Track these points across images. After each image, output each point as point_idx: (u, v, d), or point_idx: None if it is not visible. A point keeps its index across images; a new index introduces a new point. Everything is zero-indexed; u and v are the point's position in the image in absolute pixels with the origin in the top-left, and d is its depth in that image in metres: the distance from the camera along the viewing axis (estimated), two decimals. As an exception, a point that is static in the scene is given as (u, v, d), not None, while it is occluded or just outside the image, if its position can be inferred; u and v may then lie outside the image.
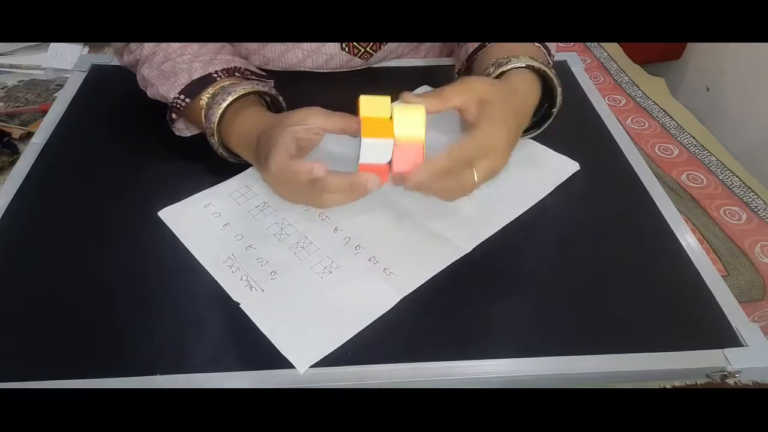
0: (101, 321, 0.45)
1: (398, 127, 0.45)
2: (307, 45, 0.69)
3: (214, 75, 0.57)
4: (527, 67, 0.55)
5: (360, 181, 0.46)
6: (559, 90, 0.57)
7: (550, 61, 0.62)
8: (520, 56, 0.55)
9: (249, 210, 0.53)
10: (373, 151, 0.45)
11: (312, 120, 0.49)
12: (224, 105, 0.54)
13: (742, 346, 0.45)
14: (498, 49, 0.59)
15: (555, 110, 0.58)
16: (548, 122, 0.60)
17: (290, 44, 0.68)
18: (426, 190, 0.47)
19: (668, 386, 0.45)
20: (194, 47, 0.59)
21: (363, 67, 0.73)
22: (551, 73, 0.56)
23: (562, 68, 0.77)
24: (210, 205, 0.54)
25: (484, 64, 0.58)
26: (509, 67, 0.55)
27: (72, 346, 0.43)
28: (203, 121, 0.55)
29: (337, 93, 0.70)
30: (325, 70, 0.72)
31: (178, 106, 0.57)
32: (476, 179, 0.47)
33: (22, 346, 0.43)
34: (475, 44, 0.63)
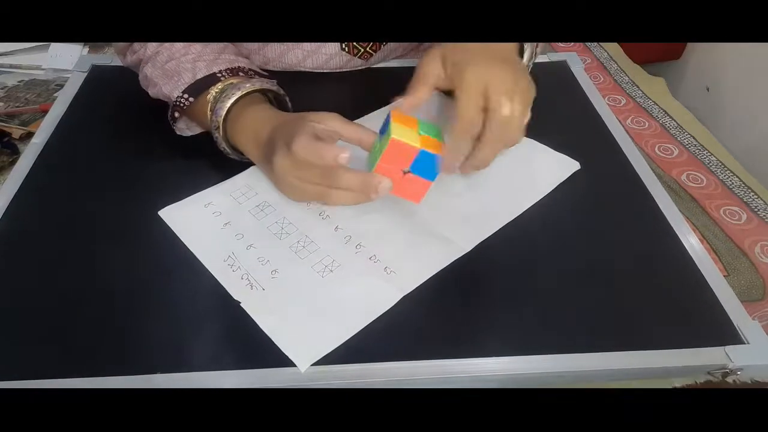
0: (101, 320, 0.44)
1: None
2: (307, 45, 0.69)
3: (218, 74, 0.57)
4: None
5: (373, 181, 0.47)
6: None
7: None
8: None
9: (249, 209, 0.53)
10: (397, 153, 0.46)
11: (330, 122, 0.50)
12: (233, 99, 0.54)
13: (744, 343, 0.45)
14: None
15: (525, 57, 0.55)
16: (534, 58, 0.57)
17: (290, 44, 0.69)
18: (485, 159, 0.47)
19: (668, 387, 0.45)
20: (198, 47, 0.60)
21: (363, 67, 0.73)
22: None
23: (562, 68, 0.77)
24: (210, 204, 0.54)
25: None
26: None
27: (72, 346, 0.43)
28: (208, 116, 0.56)
29: (337, 93, 0.71)
30: (324, 70, 0.72)
31: (182, 105, 0.57)
32: (510, 109, 0.45)
33: (22, 346, 0.43)
34: None
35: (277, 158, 0.50)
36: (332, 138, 0.50)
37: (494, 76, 0.45)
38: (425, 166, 0.48)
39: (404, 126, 0.47)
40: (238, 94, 0.55)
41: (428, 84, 0.49)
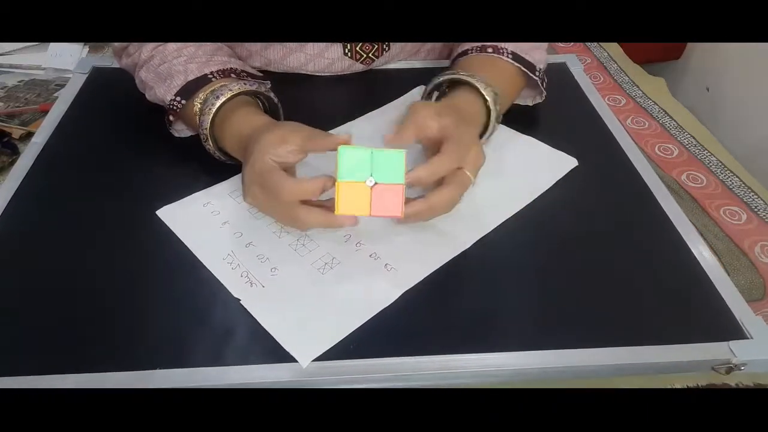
0: (102, 319, 0.44)
1: (378, 172, 0.44)
2: (309, 49, 0.69)
3: (210, 76, 0.57)
4: (469, 84, 0.56)
5: (335, 222, 0.47)
6: (493, 117, 0.57)
7: (534, 77, 0.63)
8: (474, 74, 0.56)
9: (248, 208, 0.53)
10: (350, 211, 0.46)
11: (292, 140, 0.47)
12: (214, 109, 0.54)
13: (747, 338, 0.45)
14: (468, 63, 0.62)
15: (488, 131, 0.58)
16: (483, 139, 0.58)
17: (293, 48, 0.69)
18: (428, 213, 0.48)
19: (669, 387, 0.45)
20: (191, 49, 0.59)
21: (364, 70, 0.73)
22: (484, 93, 0.56)
23: (562, 69, 0.77)
24: (209, 203, 0.54)
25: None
26: (454, 76, 0.57)
27: (73, 345, 0.43)
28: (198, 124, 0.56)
29: (337, 94, 0.71)
30: (326, 74, 0.72)
31: (175, 108, 0.57)
32: (470, 175, 0.49)
33: (23, 345, 0.43)
34: (460, 50, 0.65)
35: (245, 197, 0.51)
36: (300, 155, 0.48)
37: (475, 149, 0.50)
38: (386, 203, 0.45)
39: (354, 183, 0.44)
40: (218, 103, 0.53)
41: (417, 132, 0.49)
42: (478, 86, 0.56)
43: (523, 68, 0.62)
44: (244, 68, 0.62)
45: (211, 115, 0.53)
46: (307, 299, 0.46)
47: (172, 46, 0.59)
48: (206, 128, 0.54)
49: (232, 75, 0.59)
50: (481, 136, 0.58)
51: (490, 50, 0.62)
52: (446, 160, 0.47)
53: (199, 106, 0.55)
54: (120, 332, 0.44)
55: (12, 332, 0.44)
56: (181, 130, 0.62)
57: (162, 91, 0.58)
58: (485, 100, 0.56)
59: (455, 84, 0.59)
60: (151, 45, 0.60)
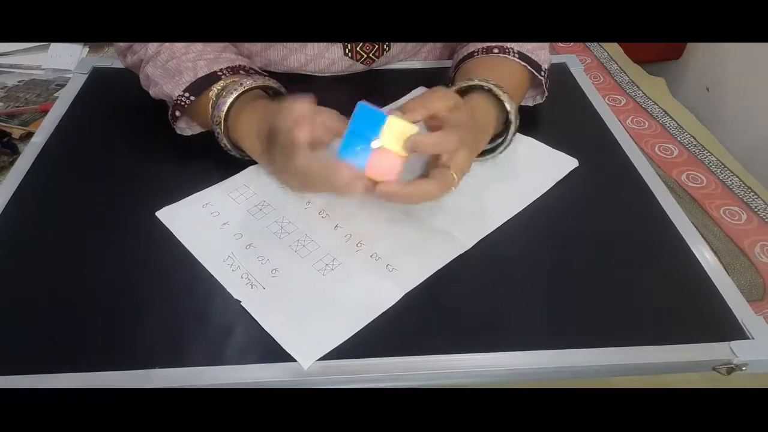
0: (102, 320, 0.44)
1: (385, 136, 0.46)
2: (310, 50, 0.69)
3: (219, 73, 0.57)
4: (488, 91, 0.55)
5: (339, 170, 0.46)
6: (513, 122, 0.56)
7: (540, 77, 0.63)
8: (489, 78, 0.55)
9: (248, 209, 0.53)
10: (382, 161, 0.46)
11: (327, 116, 0.50)
12: (235, 95, 0.54)
13: (748, 338, 0.45)
14: (475, 65, 0.61)
15: (506, 142, 0.57)
16: (500, 151, 0.58)
17: (293, 48, 0.69)
18: (402, 197, 0.47)
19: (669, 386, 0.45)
20: (198, 46, 0.60)
21: (364, 70, 0.73)
22: (507, 105, 0.55)
23: (562, 70, 0.77)
24: (208, 204, 0.54)
25: (461, 76, 0.60)
26: (472, 83, 0.56)
27: (72, 344, 0.43)
28: (209, 113, 0.56)
29: (338, 95, 0.70)
30: (326, 74, 0.72)
31: (183, 103, 0.57)
32: (455, 177, 0.48)
33: (22, 345, 0.43)
34: (465, 53, 0.64)
35: (273, 151, 0.50)
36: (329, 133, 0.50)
37: (469, 155, 0.49)
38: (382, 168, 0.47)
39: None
40: (240, 89, 0.55)
41: (427, 113, 0.48)
42: (503, 99, 0.55)
43: (530, 68, 0.62)
44: (252, 66, 0.62)
45: (232, 98, 0.54)
46: (309, 301, 0.46)
47: (179, 43, 0.60)
48: (222, 111, 0.54)
49: (241, 72, 0.59)
50: (496, 149, 0.58)
51: (496, 51, 0.61)
52: (444, 138, 0.47)
53: (216, 91, 0.56)
54: (119, 334, 0.44)
55: (11, 331, 0.44)
56: (183, 128, 0.62)
57: (170, 87, 0.58)
58: (500, 112, 0.56)
59: (470, 89, 0.57)
60: (157, 42, 0.61)
